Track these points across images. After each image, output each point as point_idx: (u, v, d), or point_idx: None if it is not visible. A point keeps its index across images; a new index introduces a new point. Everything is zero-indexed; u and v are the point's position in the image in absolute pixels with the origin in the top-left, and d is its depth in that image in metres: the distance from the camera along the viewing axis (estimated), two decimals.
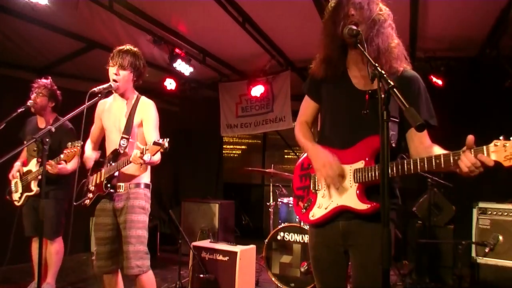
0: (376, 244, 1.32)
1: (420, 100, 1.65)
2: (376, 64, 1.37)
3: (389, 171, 1.47)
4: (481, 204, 3.81)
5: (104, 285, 2.66)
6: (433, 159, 1.40)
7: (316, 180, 1.78)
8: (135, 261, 2.46)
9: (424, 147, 1.63)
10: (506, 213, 3.66)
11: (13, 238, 3.35)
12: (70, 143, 2.91)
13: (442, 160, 1.38)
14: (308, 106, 1.90)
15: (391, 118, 1.55)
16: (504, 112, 4.55)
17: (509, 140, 1.27)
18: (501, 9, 3.57)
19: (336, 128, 1.75)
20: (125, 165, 2.43)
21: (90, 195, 2.64)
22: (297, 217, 4.06)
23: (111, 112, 2.63)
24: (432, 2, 3.59)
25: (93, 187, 2.63)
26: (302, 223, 3.82)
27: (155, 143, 2.22)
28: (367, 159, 1.61)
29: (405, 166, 1.48)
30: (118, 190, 2.54)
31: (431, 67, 4.75)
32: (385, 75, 1.33)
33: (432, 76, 4.71)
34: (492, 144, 1.30)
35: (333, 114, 1.77)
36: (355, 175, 1.63)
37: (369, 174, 1.58)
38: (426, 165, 1.41)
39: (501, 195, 3.88)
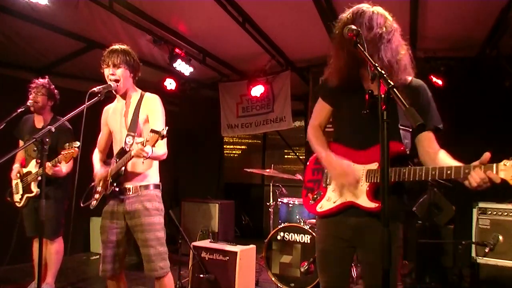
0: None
1: (431, 108, 1.74)
2: (376, 64, 1.38)
3: (402, 176, 1.60)
4: (481, 204, 3.81)
5: None
6: (445, 170, 1.50)
7: (329, 176, 1.85)
8: (159, 263, 2.45)
9: (433, 152, 1.70)
10: (506, 213, 3.66)
11: (15, 238, 3.36)
12: (67, 143, 2.91)
13: (453, 172, 1.49)
14: (322, 109, 1.95)
15: (405, 128, 1.67)
16: (504, 112, 4.55)
17: None
18: (501, 9, 3.57)
19: (352, 130, 1.82)
20: (128, 160, 2.36)
21: (97, 195, 2.60)
22: (297, 216, 4.08)
23: (116, 114, 2.60)
24: (432, 2, 3.59)
25: (100, 188, 2.58)
26: (302, 223, 3.83)
27: (152, 131, 2.12)
28: None
29: (417, 173, 1.56)
30: (128, 193, 2.49)
31: (431, 67, 4.74)
32: (385, 75, 1.34)
33: (432, 76, 4.70)
34: (502, 163, 1.41)
35: (349, 118, 1.82)
36: (368, 175, 1.71)
37: None
38: (437, 174, 1.51)
39: (501, 195, 3.86)
